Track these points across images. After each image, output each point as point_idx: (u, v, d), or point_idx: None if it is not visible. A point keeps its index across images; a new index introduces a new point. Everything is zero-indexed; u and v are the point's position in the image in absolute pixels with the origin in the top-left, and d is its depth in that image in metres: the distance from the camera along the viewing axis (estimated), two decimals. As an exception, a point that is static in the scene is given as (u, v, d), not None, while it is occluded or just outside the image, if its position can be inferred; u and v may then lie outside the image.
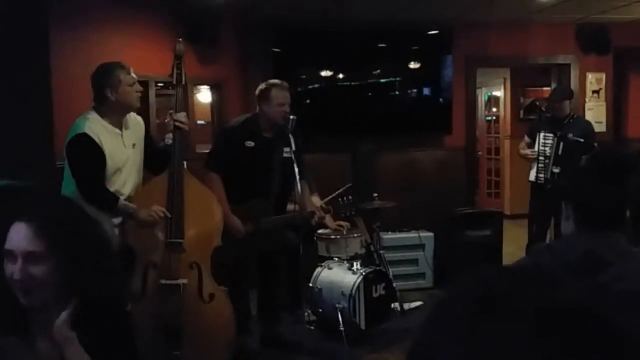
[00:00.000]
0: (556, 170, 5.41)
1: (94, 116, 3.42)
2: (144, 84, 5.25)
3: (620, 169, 1.73)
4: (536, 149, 5.54)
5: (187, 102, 5.68)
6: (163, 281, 3.37)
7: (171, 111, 3.66)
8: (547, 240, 5.60)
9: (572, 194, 1.80)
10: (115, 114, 3.48)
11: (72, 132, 3.39)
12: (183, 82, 3.72)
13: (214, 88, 6.03)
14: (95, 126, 3.38)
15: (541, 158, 5.50)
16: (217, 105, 6.07)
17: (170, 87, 3.89)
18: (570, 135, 5.42)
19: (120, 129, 3.52)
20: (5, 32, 4.42)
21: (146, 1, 5.10)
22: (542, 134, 5.52)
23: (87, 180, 3.38)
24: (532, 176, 5.60)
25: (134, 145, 3.58)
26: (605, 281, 1.65)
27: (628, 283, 1.64)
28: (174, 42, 5.35)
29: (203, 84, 6.16)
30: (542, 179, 5.49)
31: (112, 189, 3.44)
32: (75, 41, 4.69)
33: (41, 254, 1.47)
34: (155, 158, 3.69)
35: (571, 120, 5.56)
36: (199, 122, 6.45)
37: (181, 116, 3.60)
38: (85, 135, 3.33)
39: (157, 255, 3.43)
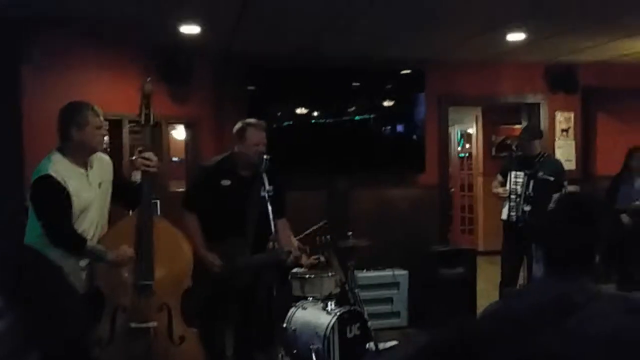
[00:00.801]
0: (527, 208, 5.47)
1: (57, 157, 3.34)
2: (117, 122, 5.25)
3: (587, 212, 1.76)
4: (508, 187, 5.61)
5: (161, 141, 5.68)
6: (133, 325, 3.30)
7: (140, 148, 3.63)
8: (520, 279, 5.62)
9: (541, 237, 1.82)
10: (79, 154, 3.39)
11: (36, 174, 3.30)
12: (152, 122, 3.65)
13: (188, 126, 6.03)
14: (60, 167, 3.30)
15: (512, 196, 5.56)
16: (191, 143, 6.07)
17: (139, 127, 3.80)
18: (541, 173, 5.50)
19: (86, 168, 3.44)
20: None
21: (120, 41, 5.11)
22: (513, 173, 5.59)
23: (53, 223, 3.28)
24: (505, 215, 5.65)
25: (100, 184, 3.50)
26: (575, 325, 1.66)
27: (597, 326, 1.65)
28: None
29: (176, 123, 6.16)
30: (514, 217, 5.54)
31: (79, 230, 3.35)
32: (48, 81, 4.66)
33: (1, 308, 1.42)
34: (126, 194, 3.63)
35: (541, 159, 5.65)
36: (173, 159, 6.42)
37: (149, 157, 3.54)
38: (50, 176, 3.24)
39: (126, 298, 3.36)
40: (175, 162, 6.55)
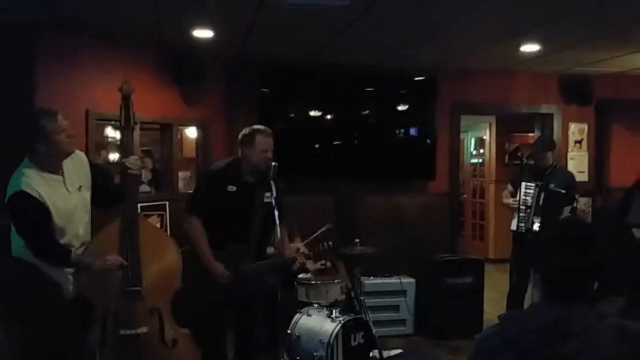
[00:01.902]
0: (537, 220, 5.43)
1: (29, 170, 3.23)
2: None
3: (584, 240, 1.75)
4: (518, 198, 5.58)
5: (171, 142, 5.70)
6: (122, 331, 3.28)
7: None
8: (528, 290, 5.59)
9: (538, 264, 1.81)
10: (51, 162, 3.29)
11: (10, 189, 3.19)
12: (132, 124, 3.58)
13: (199, 127, 6.06)
14: (33, 181, 3.19)
15: (522, 207, 5.53)
16: (202, 144, 6.10)
17: (119, 129, 3.69)
18: (552, 185, 5.46)
19: (61, 174, 3.34)
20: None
21: (133, 44, 5.14)
22: (524, 184, 5.56)
23: (33, 238, 3.20)
24: (514, 225, 5.62)
25: (79, 187, 3.42)
26: (570, 353, 1.65)
27: (592, 355, 1.64)
28: (160, 83, 5.44)
29: (188, 125, 6.19)
30: (523, 228, 5.51)
31: (65, 240, 3.29)
32: (60, 83, 4.70)
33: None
34: (104, 196, 3.56)
35: (553, 171, 5.61)
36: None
37: (132, 160, 3.49)
38: (23, 192, 3.14)
39: (115, 304, 3.32)
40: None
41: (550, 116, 7.01)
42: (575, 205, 5.64)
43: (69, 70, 4.78)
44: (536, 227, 5.42)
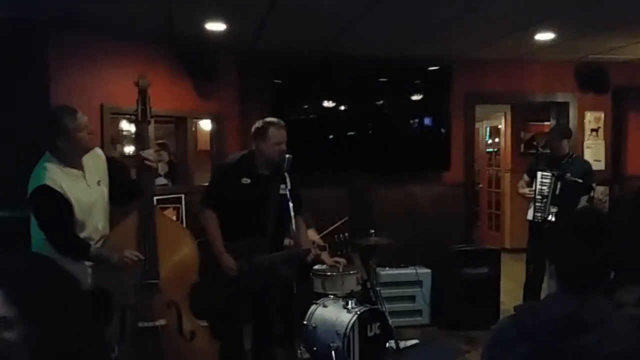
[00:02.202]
0: (554, 209, 5.40)
1: (51, 164, 3.29)
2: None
3: (599, 231, 1.73)
4: (534, 188, 5.54)
5: (186, 135, 5.74)
6: (141, 324, 3.32)
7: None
8: (545, 281, 5.56)
9: (554, 255, 1.80)
10: (72, 158, 3.36)
11: (33, 183, 3.25)
12: (148, 118, 3.61)
13: (214, 120, 6.08)
14: (55, 175, 3.25)
15: (539, 197, 5.49)
16: (216, 136, 6.12)
17: (136, 123, 3.72)
18: (569, 175, 5.41)
19: (81, 168, 3.40)
20: (6, 69, 4.49)
21: (146, 37, 5.16)
22: (540, 174, 5.52)
23: (55, 232, 3.26)
24: (530, 215, 5.59)
25: (98, 182, 3.48)
26: (587, 344, 1.64)
27: (609, 346, 1.63)
28: (174, 76, 5.46)
29: (202, 118, 6.22)
30: (540, 218, 5.48)
31: (85, 234, 3.34)
32: (75, 77, 4.73)
33: (13, 319, 1.44)
34: (121, 192, 3.60)
35: (570, 160, 5.56)
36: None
37: (148, 154, 3.52)
38: (46, 186, 3.19)
39: (134, 297, 3.36)
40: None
41: (566, 105, 6.95)
42: (592, 194, 5.59)
43: (84, 66, 4.81)
44: (552, 216, 5.39)
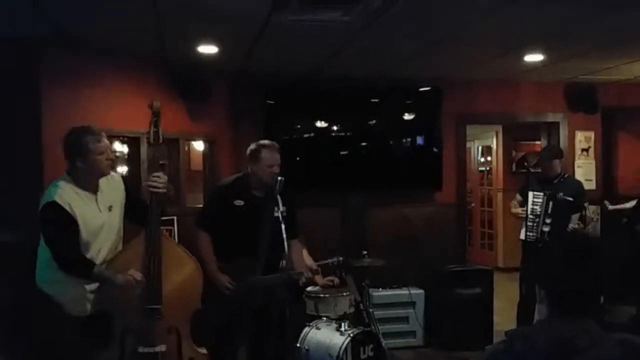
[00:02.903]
0: (546, 229, 5.41)
1: (64, 183, 3.35)
2: (135, 140, 5.31)
3: (588, 255, 1.74)
4: (526, 207, 5.56)
5: (178, 157, 5.74)
6: (141, 349, 3.29)
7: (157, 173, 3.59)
8: (537, 299, 5.55)
9: (544, 280, 1.81)
10: (87, 180, 3.40)
11: (43, 200, 3.31)
12: (160, 141, 3.66)
13: (206, 141, 6.09)
14: (66, 193, 3.30)
15: (531, 217, 5.52)
16: (209, 157, 6.12)
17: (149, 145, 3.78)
18: (561, 194, 5.44)
19: (95, 192, 3.43)
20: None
21: (138, 58, 5.17)
22: (532, 193, 5.55)
23: (60, 248, 3.28)
24: (523, 235, 5.61)
25: (110, 207, 3.49)
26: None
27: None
28: (166, 98, 5.45)
29: (195, 139, 6.22)
30: (533, 237, 5.49)
31: (87, 255, 3.35)
32: (67, 98, 4.73)
33: (1, 343, 1.46)
34: (138, 211, 3.58)
35: (562, 180, 5.59)
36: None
37: (157, 178, 3.51)
38: (55, 203, 3.24)
39: (135, 321, 3.34)
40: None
41: (556, 124, 7.00)
42: (584, 213, 5.62)
43: (75, 87, 4.81)
44: (545, 236, 5.40)
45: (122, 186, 3.63)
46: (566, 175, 5.76)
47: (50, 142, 4.58)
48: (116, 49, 4.89)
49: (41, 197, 3.35)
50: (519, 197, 5.83)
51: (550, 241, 5.35)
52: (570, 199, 5.44)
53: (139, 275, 3.32)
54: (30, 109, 4.58)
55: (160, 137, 3.66)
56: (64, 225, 3.27)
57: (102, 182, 3.48)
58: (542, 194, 5.49)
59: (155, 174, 3.54)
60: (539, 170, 5.73)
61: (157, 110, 3.67)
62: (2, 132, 4.51)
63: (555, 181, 5.56)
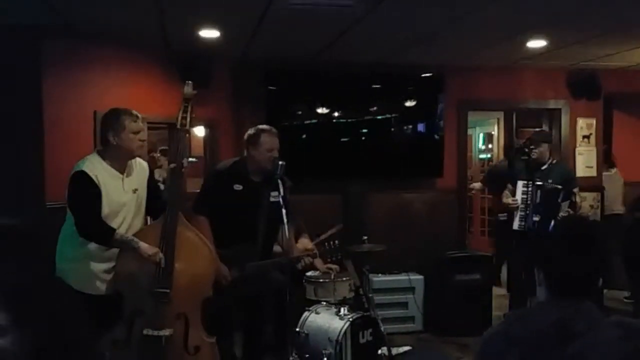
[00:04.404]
0: (536, 218, 5.33)
1: (94, 158, 3.46)
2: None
3: (587, 240, 1.75)
4: (517, 197, 5.47)
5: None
6: (146, 331, 3.31)
7: (162, 147, 3.65)
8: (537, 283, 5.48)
9: (543, 263, 1.81)
10: (117, 158, 3.48)
11: (73, 171, 3.42)
12: (188, 127, 3.66)
13: (207, 126, 6.09)
14: (95, 166, 3.41)
15: (522, 206, 5.42)
16: (210, 142, 6.12)
17: (177, 131, 3.74)
18: (550, 181, 5.36)
19: (122, 172, 3.51)
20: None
21: (139, 44, 5.16)
22: (520, 183, 5.46)
23: (83, 214, 3.37)
24: (516, 225, 5.49)
25: (134, 190, 3.56)
26: (575, 353, 1.65)
27: (596, 355, 1.64)
28: (167, 82, 5.45)
29: (196, 125, 6.21)
30: (524, 227, 5.40)
31: None
32: (68, 83, 4.74)
33: (7, 325, 1.47)
34: (156, 205, 3.67)
35: (550, 166, 5.50)
36: (190, 159, 6.39)
37: (186, 162, 3.58)
38: (83, 172, 3.35)
39: (144, 303, 3.37)
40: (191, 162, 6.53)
41: (558, 111, 6.97)
42: (574, 199, 5.52)
43: (77, 72, 4.82)
44: (536, 225, 5.31)
45: (147, 174, 3.70)
46: (555, 162, 5.68)
47: (51, 127, 4.59)
48: (117, 34, 4.88)
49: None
50: (510, 186, 5.76)
51: (539, 230, 5.26)
52: (559, 186, 5.33)
53: (160, 257, 3.36)
54: (32, 94, 4.59)
55: (188, 123, 3.66)
56: (88, 192, 3.35)
57: (131, 165, 3.55)
58: (529, 183, 5.42)
59: (185, 159, 3.59)
60: (526, 158, 5.59)
61: (189, 96, 3.67)
62: (3, 117, 4.51)
63: (543, 167, 5.49)
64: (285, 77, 6.20)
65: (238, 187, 4.10)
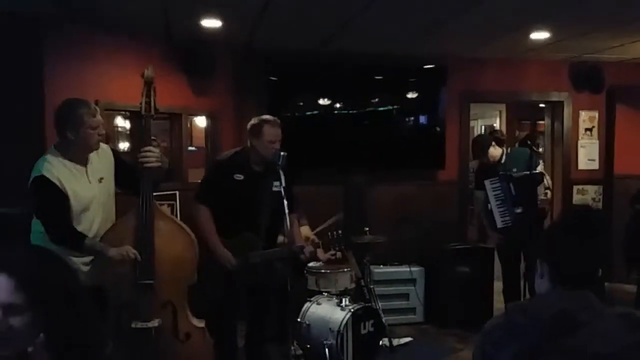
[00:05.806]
0: (518, 210, 5.26)
1: (52, 157, 3.29)
2: (138, 114, 5.29)
3: (589, 228, 1.74)
4: (490, 199, 5.38)
5: (181, 131, 5.73)
6: (134, 324, 3.28)
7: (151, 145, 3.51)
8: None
9: (545, 253, 1.81)
10: (75, 152, 3.34)
11: (32, 174, 3.26)
12: (152, 112, 3.52)
13: (209, 117, 6.08)
14: (55, 167, 3.25)
15: (498, 203, 5.36)
16: (211, 133, 6.12)
17: (142, 118, 3.61)
18: (515, 170, 5.30)
19: (85, 164, 3.38)
20: (0, 63, 4.48)
21: (142, 34, 5.15)
22: (487, 182, 5.39)
23: (51, 221, 3.26)
24: (499, 223, 5.39)
25: (100, 179, 3.43)
26: (577, 343, 1.65)
27: (599, 345, 1.64)
28: (169, 73, 5.44)
29: (197, 114, 6.21)
30: (509, 221, 5.32)
31: (79, 228, 3.31)
32: (70, 71, 4.73)
33: (21, 305, 1.49)
34: (130, 179, 3.53)
35: (506, 159, 5.45)
36: (189, 148, 6.39)
37: (148, 152, 3.42)
38: (44, 177, 3.20)
39: (129, 296, 3.31)
40: (191, 151, 6.53)
41: (560, 104, 6.96)
42: (544, 181, 5.44)
43: (79, 61, 4.80)
44: (518, 217, 5.24)
45: (111, 157, 3.55)
46: (509, 150, 5.59)
47: (52, 116, 4.57)
48: (119, 22, 4.87)
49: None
50: (477, 194, 5.66)
51: (523, 221, 5.19)
52: (526, 172, 5.22)
53: (132, 252, 3.28)
54: (34, 82, 4.57)
55: (153, 108, 3.53)
56: (53, 199, 3.22)
57: (92, 154, 3.41)
58: (497, 178, 5.34)
59: (145, 148, 3.45)
60: (485, 162, 5.52)
61: (150, 79, 3.53)
62: (5, 104, 4.51)
63: (501, 162, 5.43)
64: (287, 68, 6.18)
65: (239, 177, 4.10)
